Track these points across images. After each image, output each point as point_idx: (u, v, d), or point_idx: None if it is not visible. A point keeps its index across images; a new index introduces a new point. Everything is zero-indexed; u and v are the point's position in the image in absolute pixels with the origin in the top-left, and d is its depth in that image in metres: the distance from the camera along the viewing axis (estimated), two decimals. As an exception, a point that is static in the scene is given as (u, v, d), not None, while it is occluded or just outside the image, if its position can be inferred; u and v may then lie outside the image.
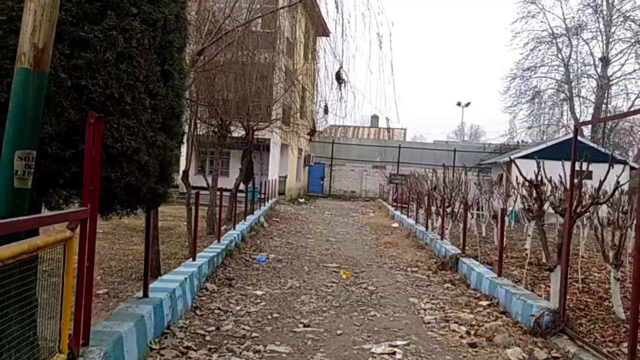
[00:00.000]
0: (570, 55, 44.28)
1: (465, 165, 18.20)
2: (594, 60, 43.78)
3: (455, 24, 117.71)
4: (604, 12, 42.76)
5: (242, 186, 17.01)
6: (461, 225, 14.19)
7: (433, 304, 7.38)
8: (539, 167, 7.41)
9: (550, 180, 7.88)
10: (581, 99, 44.87)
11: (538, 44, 44.59)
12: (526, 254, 12.96)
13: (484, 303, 7.35)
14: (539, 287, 8.95)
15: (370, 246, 13.34)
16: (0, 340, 2.78)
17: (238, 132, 16.86)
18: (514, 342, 5.47)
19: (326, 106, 10.61)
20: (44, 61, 3.32)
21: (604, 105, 43.00)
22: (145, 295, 5.37)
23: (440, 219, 15.96)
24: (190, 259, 7.98)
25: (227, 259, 9.83)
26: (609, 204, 9.36)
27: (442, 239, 12.69)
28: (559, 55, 44.52)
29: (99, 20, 3.86)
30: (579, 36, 43.77)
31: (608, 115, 40.68)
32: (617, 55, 43.31)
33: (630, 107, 42.08)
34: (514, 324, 6.24)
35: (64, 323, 3.21)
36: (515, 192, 19.32)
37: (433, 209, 15.93)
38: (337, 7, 8.18)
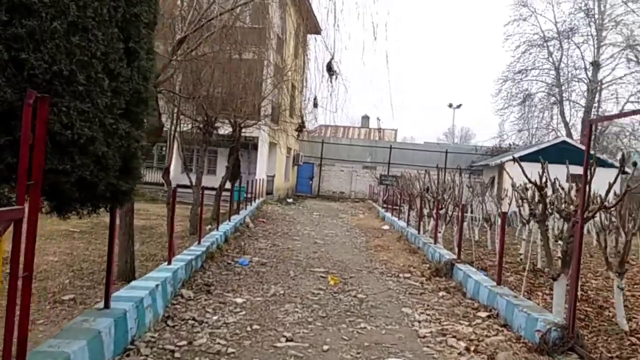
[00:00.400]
0: (561, 59, 44.16)
1: (460, 167, 17.68)
2: (584, 64, 43.68)
3: (448, 25, 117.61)
4: (596, 17, 42.66)
5: (229, 186, 16.42)
6: (455, 229, 13.70)
7: (428, 314, 6.81)
8: (543, 169, 6.89)
9: (553, 184, 7.36)
10: (571, 102, 44.76)
11: (529, 47, 44.45)
12: (521, 259, 12.50)
13: (483, 314, 6.79)
14: (535, 294, 8.45)
15: (360, 249, 12.77)
16: None
17: (225, 129, 16.25)
18: (519, 361, 4.91)
19: (315, 99, 10.02)
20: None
21: (594, 109, 42.90)
22: (107, 305, 4.73)
23: (433, 222, 15.46)
24: (166, 263, 7.35)
25: (208, 262, 9.20)
26: (610, 210, 8.88)
27: (435, 242, 12.15)
28: (550, 59, 44.40)
29: (46, -18, 3.24)
30: (570, 40, 43.67)
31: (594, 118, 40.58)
32: (607, 59, 43.22)
33: (620, 110, 42.02)
34: (517, 340, 5.68)
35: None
36: (508, 194, 18.93)
37: (425, 211, 15.41)
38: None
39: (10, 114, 3.09)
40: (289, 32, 20.58)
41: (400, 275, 9.58)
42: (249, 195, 19.94)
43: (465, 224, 14.96)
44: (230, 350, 5.03)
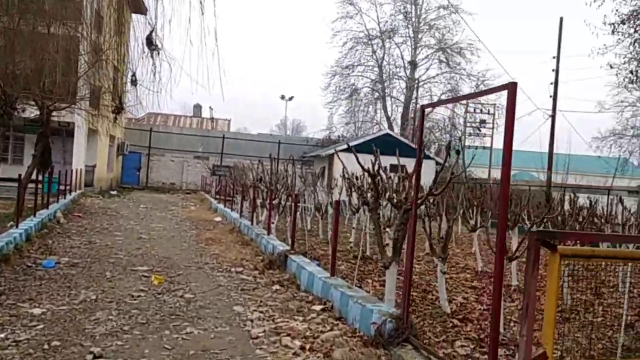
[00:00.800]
0: (383, 57, 47.32)
1: (293, 157, 17.63)
2: (404, 62, 47.38)
3: (280, 16, 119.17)
4: (413, 20, 46.40)
5: (40, 178, 14.29)
6: (289, 219, 13.54)
7: (261, 312, 6.35)
8: (376, 158, 6.84)
9: (385, 171, 7.39)
10: (392, 98, 48.25)
11: (356, 44, 46.86)
12: (351, 247, 12.77)
13: (318, 308, 6.54)
14: (366, 282, 8.53)
15: (190, 244, 11.92)
16: None
17: (32, 111, 14.10)
18: (355, 357, 4.68)
19: (134, 75, 8.89)
20: None
21: (411, 105, 46.70)
22: None
23: (266, 212, 15.16)
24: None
25: (1, 266, 7.68)
26: (436, 197, 9.37)
27: (268, 234, 11.81)
28: (374, 56, 47.32)
29: None
30: (391, 40, 46.96)
31: (414, 114, 44.36)
32: (423, 59, 47.36)
33: (433, 108, 46.38)
34: (353, 333, 5.49)
35: None
36: (338, 184, 19.49)
37: (259, 201, 15.05)
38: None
39: None
40: (107, 8, 18.62)
41: (232, 269, 9.03)
42: (63, 187, 17.72)
43: (297, 214, 14.96)
44: (16, 378, 4.02)
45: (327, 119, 49.49)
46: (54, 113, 14.73)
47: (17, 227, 10.11)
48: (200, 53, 7.26)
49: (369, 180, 7.15)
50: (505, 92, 3.57)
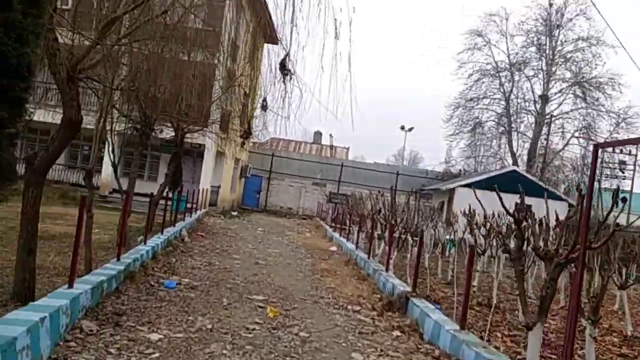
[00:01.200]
0: (511, 90, 45.05)
1: (415, 190, 16.93)
2: (534, 96, 44.70)
3: (403, 50, 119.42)
4: (547, 52, 43.75)
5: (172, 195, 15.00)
6: (408, 256, 12.81)
7: (382, 363, 5.74)
8: (522, 199, 6.00)
9: (531, 215, 6.50)
10: (519, 133, 45.60)
11: (482, 76, 45.16)
12: (474, 292, 11.68)
13: (446, 366, 5.79)
14: (494, 336, 7.58)
15: (306, 274, 11.62)
16: None
17: (168, 132, 14.87)
18: None
19: (265, 101, 8.85)
20: None
21: (540, 142, 43.81)
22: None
23: (383, 246, 14.55)
24: (67, 285, 5.96)
25: (126, 284, 7.82)
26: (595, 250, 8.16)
27: (387, 270, 11.16)
28: (501, 89, 45.19)
29: None
30: (521, 72, 44.61)
31: (545, 151, 41.48)
32: (556, 94, 44.37)
33: (565, 145, 43.09)
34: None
35: None
36: (459, 220, 18.33)
37: (376, 233, 14.50)
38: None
39: None
40: (243, 37, 19.45)
41: (349, 307, 8.49)
42: (190, 206, 18.51)
43: (414, 248, 14.13)
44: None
45: (445, 151, 47.91)
46: (188, 135, 15.45)
47: (145, 243, 10.45)
48: (332, 79, 6.97)
49: (507, 220, 6.34)
50: None
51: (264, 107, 8.99)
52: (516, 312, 9.66)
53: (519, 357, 6.55)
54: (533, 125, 44.49)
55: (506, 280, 13.99)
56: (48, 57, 5.37)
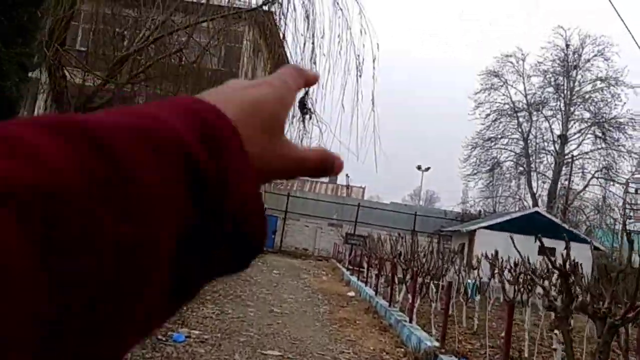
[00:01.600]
0: (530, 130, 44.66)
1: (439, 231, 16.28)
2: (553, 136, 44.21)
3: (420, 89, 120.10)
4: (565, 92, 43.44)
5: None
6: (433, 305, 12.07)
7: None
8: (567, 249, 5.39)
9: (576, 265, 5.86)
10: (538, 174, 44.92)
11: (499, 116, 44.92)
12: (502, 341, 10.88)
13: None
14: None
15: (323, 324, 10.93)
16: None
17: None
18: None
19: (284, 141, 8.44)
20: None
21: (560, 182, 43.05)
22: None
23: (406, 293, 13.81)
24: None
25: (132, 337, 7.25)
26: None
27: (410, 321, 10.45)
28: (520, 129, 44.81)
29: None
30: (539, 112, 44.25)
31: (566, 192, 40.55)
32: (575, 134, 43.86)
33: (586, 186, 42.20)
34: None
35: None
36: (481, 263, 17.54)
37: (396, 278, 13.81)
38: (307, 19, 6.22)
39: None
40: (261, 76, 19.46)
41: (372, 366, 7.82)
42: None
43: (433, 293, 13.35)
44: None
45: (461, 191, 47.14)
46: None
47: (154, 290, 9.91)
48: (353, 118, 6.55)
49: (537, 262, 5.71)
50: None
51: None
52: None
53: None
54: (552, 166, 43.88)
55: (534, 329, 13.16)
56: (54, 94, 5.03)
